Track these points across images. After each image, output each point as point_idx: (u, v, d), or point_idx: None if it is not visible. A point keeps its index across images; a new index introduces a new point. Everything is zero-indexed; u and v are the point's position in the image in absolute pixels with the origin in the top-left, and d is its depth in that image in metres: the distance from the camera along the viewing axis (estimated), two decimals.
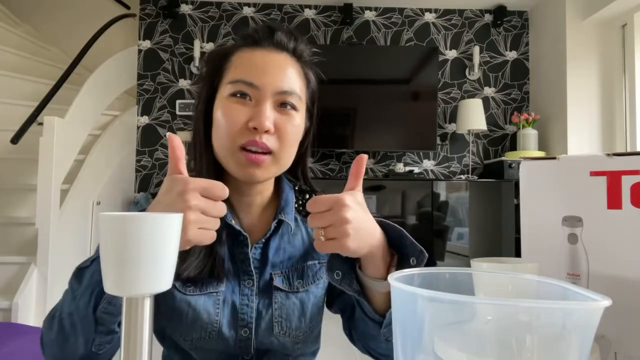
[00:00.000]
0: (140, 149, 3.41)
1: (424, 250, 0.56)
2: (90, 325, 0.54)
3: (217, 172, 0.67)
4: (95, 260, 0.54)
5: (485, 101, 3.44)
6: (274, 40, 0.66)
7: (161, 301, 0.65)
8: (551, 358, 0.30)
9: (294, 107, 0.65)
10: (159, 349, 0.67)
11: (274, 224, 0.69)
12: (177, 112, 3.42)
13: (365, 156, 0.56)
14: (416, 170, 3.31)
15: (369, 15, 3.51)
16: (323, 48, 3.30)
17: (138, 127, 3.41)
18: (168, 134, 0.52)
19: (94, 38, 3.11)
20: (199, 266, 0.63)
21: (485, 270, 0.43)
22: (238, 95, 0.63)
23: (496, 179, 3.08)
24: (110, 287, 0.35)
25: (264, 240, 0.69)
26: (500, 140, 3.51)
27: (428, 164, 3.48)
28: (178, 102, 3.43)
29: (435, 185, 2.99)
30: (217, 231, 0.51)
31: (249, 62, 0.64)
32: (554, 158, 0.53)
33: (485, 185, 3.02)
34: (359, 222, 0.51)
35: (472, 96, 3.48)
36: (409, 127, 3.29)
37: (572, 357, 0.29)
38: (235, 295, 0.67)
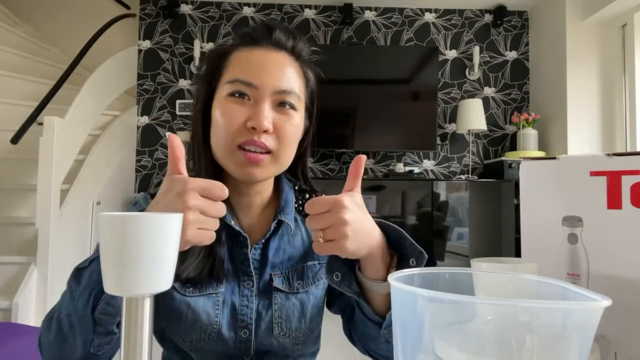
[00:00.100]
0: (140, 149, 3.41)
1: (424, 251, 0.56)
2: (88, 326, 0.53)
3: (216, 172, 0.67)
4: (93, 260, 0.54)
5: (485, 101, 3.44)
6: (272, 39, 0.65)
7: (161, 302, 0.64)
8: (551, 358, 0.30)
9: (292, 107, 0.64)
10: (158, 350, 0.67)
11: (273, 225, 0.68)
12: (177, 112, 3.42)
13: (364, 157, 0.55)
14: (416, 170, 3.31)
15: (369, 15, 3.51)
16: (323, 48, 3.30)
17: (138, 127, 3.41)
18: (168, 133, 0.52)
19: (94, 38, 3.11)
20: (199, 267, 0.63)
21: (485, 270, 0.43)
22: (236, 95, 0.62)
23: (496, 179, 3.08)
24: (110, 287, 0.35)
25: (263, 240, 0.68)
26: (500, 140, 3.51)
27: (428, 164, 3.48)
28: (178, 102, 3.43)
29: (435, 185, 2.99)
30: (217, 232, 0.50)
31: (247, 61, 0.64)
32: (554, 158, 0.53)
33: (485, 185, 3.02)
34: (357, 224, 0.51)
35: (472, 96, 3.48)
36: (409, 127, 3.29)
37: (572, 357, 0.29)
38: (234, 296, 0.66)
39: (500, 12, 3.44)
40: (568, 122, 3.00)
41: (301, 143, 0.71)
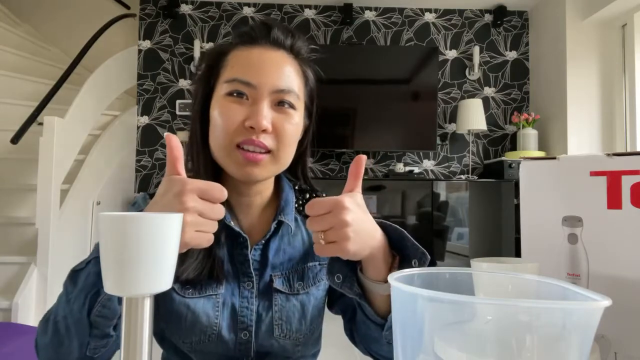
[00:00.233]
0: (140, 149, 3.41)
1: (426, 252, 0.56)
2: (84, 328, 0.53)
3: (215, 172, 0.66)
4: (90, 262, 0.53)
5: (485, 101, 3.44)
6: (270, 37, 0.64)
7: (160, 303, 0.64)
8: (551, 358, 0.30)
9: (292, 106, 0.64)
10: (158, 351, 0.67)
11: (273, 225, 0.68)
12: (177, 112, 3.42)
13: (364, 157, 0.55)
14: (416, 170, 3.31)
15: (369, 15, 3.51)
16: (323, 48, 3.30)
17: (138, 127, 3.41)
18: (166, 134, 0.52)
19: (94, 38, 3.11)
20: (198, 268, 0.62)
21: (485, 270, 0.43)
22: (235, 94, 0.62)
23: (496, 179, 3.08)
24: (110, 287, 0.35)
25: (263, 241, 0.68)
26: (500, 140, 3.51)
27: (428, 164, 3.48)
28: (178, 102, 3.43)
29: (435, 185, 2.99)
30: (216, 232, 0.50)
31: (245, 60, 0.63)
32: (554, 158, 0.53)
33: (485, 185, 3.02)
34: (359, 224, 0.50)
35: (472, 96, 3.48)
36: (409, 127, 3.29)
37: (572, 357, 0.29)
38: (234, 298, 0.66)
39: (500, 12, 3.44)
40: (568, 122, 3.00)
41: (301, 142, 0.71)
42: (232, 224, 0.66)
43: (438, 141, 3.42)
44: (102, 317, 0.52)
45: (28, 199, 2.62)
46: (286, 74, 0.63)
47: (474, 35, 3.53)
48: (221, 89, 0.63)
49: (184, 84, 3.45)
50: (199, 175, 0.65)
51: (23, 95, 3.10)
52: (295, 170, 0.75)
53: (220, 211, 0.50)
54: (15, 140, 2.41)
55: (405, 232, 0.57)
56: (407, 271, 0.37)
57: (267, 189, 0.71)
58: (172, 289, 0.63)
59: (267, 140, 0.61)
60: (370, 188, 2.93)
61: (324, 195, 0.76)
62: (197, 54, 3.36)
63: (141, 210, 0.52)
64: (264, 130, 0.60)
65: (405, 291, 0.31)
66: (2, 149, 2.74)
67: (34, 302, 2.23)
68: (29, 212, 2.56)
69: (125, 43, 3.53)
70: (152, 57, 3.45)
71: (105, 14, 3.49)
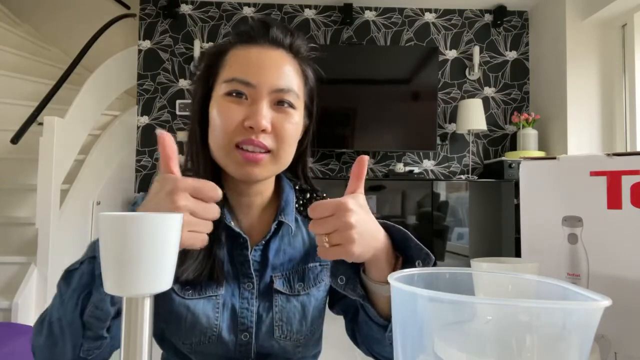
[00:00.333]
0: (140, 149, 3.41)
1: (430, 253, 0.55)
2: (77, 330, 0.52)
3: (214, 172, 0.66)
4: (83, 262, 0.53)
5: (485, 101, 3.44)
6: (269, 36, 0.64)
7: (160, 304, 0.63)
8: (551, 358, 0.30)
9: (291, 105, 0.63)
10: (157, 352, 0.67)
11: (274, 226, 0.67)
12: (177, 112, 3.43)
13: (367, 157, 0.54)
14: (416, 170, 3.31)
15: (369, 15, 3.51)
16: (323, 48, 3.31)
17: (138, 127, 3.41)
18: (158, 131, 0.50)
19: (94, 38, 3.11)
20: (198, 269, 0.62)
21: (485, 270, 0.43)
22: (234, 94, 0.61)
23: (496, 179, 3.08)
24: (110, 287, 0.35)
25: (263, 242, 0.67)
26: (500, 140, 3.51)
27: (428, 164, 3.48)
28: (178, 102, 3.43)
29: (435, 185, 2.99)
30: (216, 233, 0.49)
31: (244, 59, 0.63)
32: (554, 158, 0.53)
33: (485, 185, 3.02)
34: (363, 226, 0.50)
35: (472, 96, 3.48)
36: (409, 127, 3.29)
37: (572, 357, 0.29)
38: (235, 299, 0.65)
39: (500, 12, 3.44)
40: (568, 122, 3.00)
41: (301, 142, 0.70)
42: (232, 224, 0.65)
43: (438, 141, 3.42)
44: (95, 318, 0.52)
45: (28, 199, 2.62)
46: (285, 73, 0.63)
47: (474, 35, 3.53)
48: (220, 88, 0.63)
49: (184, 84, 3.45)
50: (198, 175, 0.65)
51: (23, 95, 3.10)
52: (296, 169, 0.74)
53: (214, 211, 0.48)
54: (15, 140, 2.41)
55: (409, 233, 0.57)
56: (407, 271, 0.37)
57: (267, 189, 0.70)
58: (172, 290, 0.63)
59: (266, 140, 0.61)
60: (370, 188, 2.92)
61: (324, 195, 0.75)
62: (197, 54, 3.36)
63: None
64: (264, 130, 0.60)
65: (405, 291, 0.31)
66: (2, 149, 2.74)
67: (34, 302, 2.23)
68: (29, 212, 2.56)
69: (125, 43, 3.53)
70: (152, 57, 3.45)
71: (105, 14, 3.49)
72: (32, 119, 2.50)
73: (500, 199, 2.96)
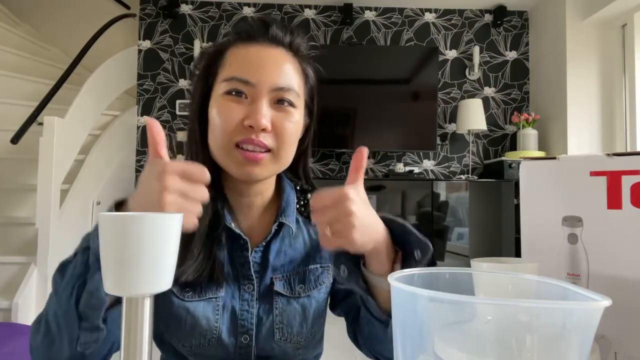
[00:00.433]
0: (140, 149, 3.41)
1: (429, 243, 0.55)
2: (73, 321, 0.51)
3: (214, 172, 0.65)
4: (77, 253, 0.52)
5: (485, 101, 3.44)
6: (269, 34, 0.63)
7: (160, 305, 0.63)
8: (551, 358, 0.30)
9: (291, 104, 0.62)
10: (156, 354, 0.66)
11: (274, 227, 0.67)
12: (177, 112, 3.43)
13: (365, 148, 0.54)
14: (416, 170, 3.31)
15: (369, 15, 3.51)
16: (323, 48, 3.31)
17: (138, 127, 3.41)
18: (146, 118, 0.51)
19: (94, 38, 3.12)
20: (198, 270, 0.61)
21: (485, 270, 0.43)
22: (233, 93, 0.60)
23: (496, 179, 3.08)
24: (110, 287, 0.35)
25: (264, 243, 0.67)
26: (500, 140, 3.51)
27: (428, 164, 3.48)
28: (178, 102, 3.43)
29: (435, 185, 2.99)
30: (217, 234, 0.49)
31: (243, 58, 0.62)
32: (554, 158, 0.53)
33: (485, 185, 3.02)
34: (363, 215, 0.50)
35: (472, 96, 3.48)
36: (409, 127, 3.29)
37: (572, 357, 0.29)
38: (235, 301, 0.65)
39: (500, 12, 3.44)
40: (568, 122, 3.00)
41: (302, 141, 0.70)
42: (233, 225, 0.65)
43: (438, 141, 3.42)
44: (90, 307, 0.51)
45: (28, 199, 2.62)
46: (285, 72, 0.62)
47: (474, 35, 3.53)
48: (219, 87, 0.62)
49: (184, 84, 3.45)
50: None
51: (23, 95, 3.10)
52: (296, 169, 0.74)
53: (203, 193, 0.49)
54: (15, 140, 2.41)
55: (407, 224, 0.56)
56: (407, 271, 0.37)
57: (267, 189, 0.69)
58: (172, 292, 0.62)
59: (266, 139, 0.60)
60: (370, 188, 2.92)
61: None
62: (197, 54, 3.36)
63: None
64: (264, 129, 0.59)
65: (405, 291, 0.31)
66: (2, 149, 2.74)
67: (34, 302, 2.23)
68: (29, 212, 2.57)
69: (125, 43, 3.54)
70: (152, 57, 3.45)
71: (105, 14, 3.49)
72: (32, 119, 2.50)
73: (500, 199, 2.96)
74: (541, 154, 3.19)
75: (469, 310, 0.30)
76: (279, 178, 0.72)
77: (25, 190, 2.66)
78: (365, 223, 0.50)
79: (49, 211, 2.30)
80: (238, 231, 0.65)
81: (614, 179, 0.48)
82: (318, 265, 0.69)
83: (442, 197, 2.99)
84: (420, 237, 0.55)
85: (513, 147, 3.44)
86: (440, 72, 3.46)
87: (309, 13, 3.51)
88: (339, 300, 0.72)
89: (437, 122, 3.36)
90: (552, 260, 0.52)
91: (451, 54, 3.52)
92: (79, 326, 0.52)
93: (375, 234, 0.52)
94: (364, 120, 3.26)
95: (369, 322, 0.61)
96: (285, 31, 0.64)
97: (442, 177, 3.44)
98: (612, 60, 2.99)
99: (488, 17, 3.54)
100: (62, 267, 0.54)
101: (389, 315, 0.57)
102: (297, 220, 0.71)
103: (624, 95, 2.91)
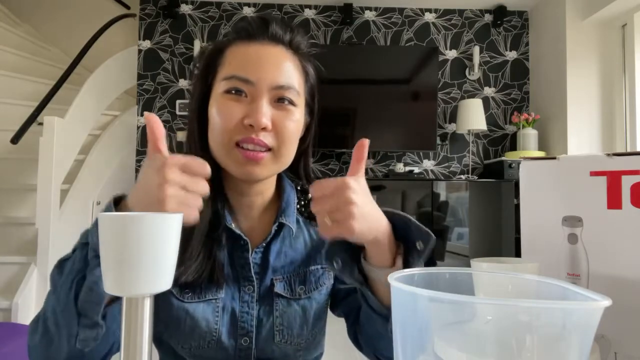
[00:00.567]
0: (140, 149, 3.41)
1: (430, 232, 0.54)
2: (72, 317, 0.51)
3: (214, 172, 0.65)
4: (76, 250, 0.52)
5: (485, 101, 3.44)
6: (268, 32, 0.62)
7: (159, 305, 0.62)
8: (551, 358, 0.30)
9: (292, 103, 0.62)
10: (155, 355, 0.66)
11: (274, 228, 0.66)
12: (177, 112, 3.43)
13: (367, 140, 0.54)
14: (416, 170, 3.31)
15: (369, 15, 3.51)
16: (323, 48, 3.30)
17: (138, 127, 3.41)
18: (146, 113, 0.51)
19: (94, 38, 3.12)
20: (198, 271, 0.60)
21: (485, 270, 0.43)
22: (233, 92, 0.60)
23: (496, 179, 3.08)
24: (110, 287, 0.35)
25: (264, 244, 0.66)
26: (500, 140, 3.51)
27: (428, 164, 3.48)
28: (178, 102, 3.43)
29: (435, 185, 2.99)
30: (217, 234, 0.49)
31: (243, 56, 0.61)
32: (554, 158, 0.53)
33: (485, 185, 3.02)
34: (363, 204, 0.50)
35: (472, 96, 3.48)
36: (409, 127, 3.29)
37: (572, 357, 0.29)
38: (235, 302, 0.64)
39: (500, 12, 3.44)
40: (568, 122, 3.00)
41: (303, 140, 0.69)
42: (233, 226, 0.64)
43: (438, 141, 3.42)
44: (89, 302, 0.50)
45: (28, 199, 2.62)
46: (285, 70, 0.62)
47: (474, 35, 3.53)
48: (219, 86, 0.62)
49: (184, 84, 3.45)
50: None
51: (23, 95, 3.10)
52: (297, 169, 0.73)
53: (204, 186, 0.48)
54: (15, 140, 2.41)
55: (408, 216, 0.56)
56: (407, 271, 0.37)
57: (268, 189, 0.69)
58: (171, 293, 0.61)
59: (267, 138, 0.59)
60: (371, 188, 2.88)
61: None
62: (197, 54, 3.36)
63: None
64: (264, 128, 0.59)
65: (405, 291, 0.31)
66: (2, 149, 2.74)
67: (34, 302, 2.23)
68: (29, 212, 2.57)
69: (125, 43, 3.54)
70: (152, 57, 3.45)
71: (105, 14, 3.49)
72: (32, 119, 2.50)
73: (500, 199, 2.96)
74: (541, 154, 3.19)
75: (469, 310, 0.30)
76: (279, 178, 0.72)
77: (25, 190, 2.66)
78: (365, 212, 0.50)
79: (49, 211, 2.30)
80: (238, 232, 0.64)
81: (614, 179, 0.48)
82: (319, 266, 0.69)
83: (442, 197, 2.99)
84: (422, 227, 0.55)
85: (513, 147, 3.44)
86: (440, 72, 3.46)
87: (309, 13, 3.51)
88: (339, 301, 0.72)
89: (437, 122, 3.36)
90: (552, 260, 0.52)
91: (451, 54, 3.52)
92: (78, 322, 0.51)
93: (376, 224, 0.52)
94: (364, 120, 3.26)
95: (370, 318, 0.60)
96: (285, 29, 0.64)
97: (442, 177, 3.44)
98: (612, 60, 2.99)
99: (488, 17, 3.54)
100: (61, 264, 0.53)
101: (389, 309, 0.57)
102: (298, 221, 0.70)
103: (624, 95, 2.91)
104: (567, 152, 2.97)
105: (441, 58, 3.48)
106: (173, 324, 0.62)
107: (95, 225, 0.47)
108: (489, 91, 3.51)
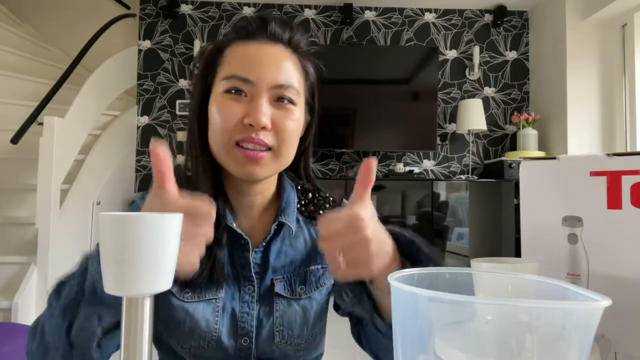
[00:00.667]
0: (140, 149, 3.41)
1: (438, 258, 0.53)
2: (65, 346, 0.51)
3: (215, 171, 0.65)
4: (73, 275, 0.51)
5: (485, 101, 3.44)
6: (267, 32, 0.62)
7: (159, 305, 0.62)
8: (551, 358, 0.30)
9: (291, 102, 0.61)
10: (154, 356, 0.66)
11: (274, 227, 0.66)
12: (177, 112, 3.43)
13: (374, 162, 0.48)
14: (416, 170, 3.31)
15: (369, 15, 3.51)
16: (323, 48, 3.30)
17: (138, 127, 3.41)
18: (152, 142, 0.44)
19: (94, 38, 3.12)
20: (197, 270, 0.61)
21: (485, 270, 0.43)
22: (232, 91, 0.60)
23: (496, 179, 3.08)
24: (110, 287, 0.35)
25: (264, 243, 0.66)
26: (500, 140, 3.51)
27: (428, 164, 3.48)
28: (178, 102, 3.43)
29: (435, 185, 2.99)
30: (217, 234, 0.48)
31: (242, 56, 0.61)
32: (554, 158, 0.53)
33: (485, 185, 3.02)
34: (379, 239, 0.46)
35: (472, 96, 3.48)
36: (409, 127, 3.29)
37: (572, 357, 0.29)
38: (235, 302, 0.64)
39: (500, 12, 3.44)
40: (568, 122, 3.00)
41: (303, 139, 0.69)
42: (234, 225, 0.64)
43: (438, 141, 3.42)
44: (81, 338, 0.50)
45: (28, 199, 2.62)
46: (285, 69, 0.61)
47: (474, 35, 3.53)
48: (219, 86, 0.61)
49: (184, 84, 3.45)
50: (198, 175, 0.64)
51: (23, 95, 3.10)
52: (297, 168, 0.73)
53: (208, 233, 0.46)
54: (15, 140, 2.41)
55: (417, 238, 0.53)
56: (407, 271, 0.37)
57: (268, 188, 0.69)
58: (171, 292, 0.61)
59: (267, 138, 0.59)
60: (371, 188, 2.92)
61: (327, 194, 0.73)
62: (197, 54, 3.36)
63: (140, 209, 0.51)
64: (264, 128, 0.59)
65: (405, 291, 0.31)
66: (2, 149, 2.74)
67: (34, 302, 2.23)
68: (29, 212, 2.56)
69: (125, 43, 3.54)
70: (152, 57, 3.45)
71: (105, 14, 3.49)
72: (32, 119, 2.50)
73: (500, 199, 2.96)
74: (541, 154, 3.19)
75: (469, 310, 0.30)
76: (279, 177, 0.71)
77: (25, 190, 2.66)
78: (380, 245, 0.47)
79: (49, 211, 2.30)
80: (239, 231, 0.64)
81: (614, 179, 0.48)
82: (319, 266, 0.68)
83: (442, 197, 2.99)
84: (430, 254, 0.53)
85: (513, 147, 3.44)
86: (440, 72, 3.46)
87: (309, 13, 3.51)
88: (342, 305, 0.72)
89: (437, 122, 3.36)
90: (552, 260, 0.52)
91: (451, 54, 3.52)
92: (71, 353, 0.51)
93: (387, 253, 0.49)
94: (364, 120, 3.26)
95: (375, 335, 0.60)
96: (285, 28, 0.64)
97: (442, 177, 3.44)
98: (612, 60, 2.99)
99: (488, 17, 3.54)
100: (58, 287, 0.53)
101: None
102: (298, 220, 0.70)
103: (624, 95, 2.91)
104: (567, 152, 2.97)
105: (441, 58, 3.48)
106: (173, 324, 0.62)
107: (97, 252, 0.45)
108: (489, 91, 3.51)
